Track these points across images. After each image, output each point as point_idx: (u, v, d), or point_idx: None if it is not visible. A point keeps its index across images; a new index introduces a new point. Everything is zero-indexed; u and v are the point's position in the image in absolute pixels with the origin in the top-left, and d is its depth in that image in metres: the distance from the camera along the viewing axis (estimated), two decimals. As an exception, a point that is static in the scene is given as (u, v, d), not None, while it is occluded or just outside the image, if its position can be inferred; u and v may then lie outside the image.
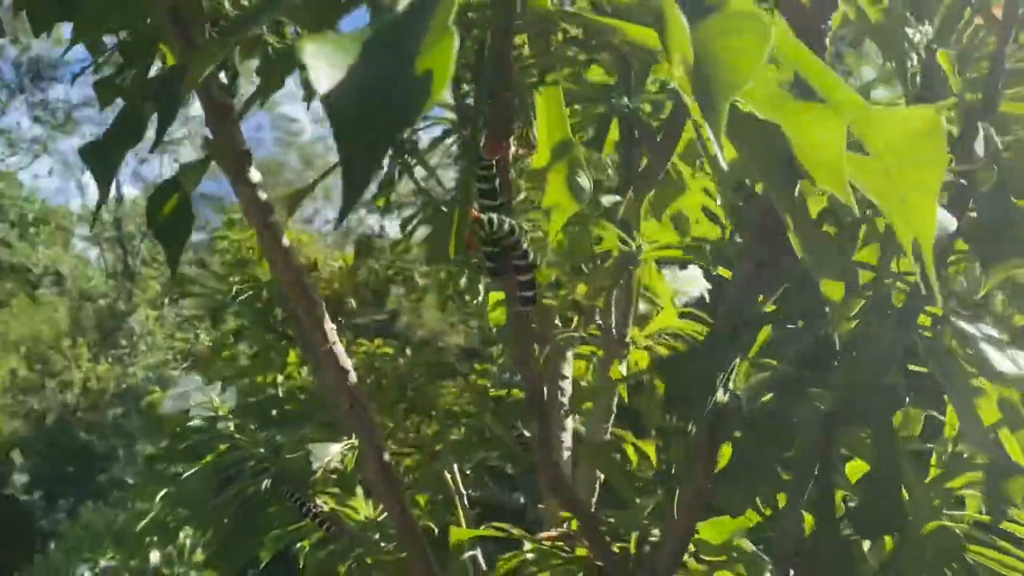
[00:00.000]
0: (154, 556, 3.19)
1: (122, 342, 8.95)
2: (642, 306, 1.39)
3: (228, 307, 1.38)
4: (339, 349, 0.79)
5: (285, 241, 0.76)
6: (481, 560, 1.28)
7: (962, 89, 0.83)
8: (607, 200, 1.05)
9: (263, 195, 0.75)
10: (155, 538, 1.49)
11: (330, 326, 0.79)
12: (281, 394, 1.57)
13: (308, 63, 0.29)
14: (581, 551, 0.92)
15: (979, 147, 0.67)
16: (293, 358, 1.52)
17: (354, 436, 1.30)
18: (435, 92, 0.28)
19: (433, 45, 0.29)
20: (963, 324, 0.67)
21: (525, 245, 0.61)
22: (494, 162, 0.59)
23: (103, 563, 3.63)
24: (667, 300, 1.35)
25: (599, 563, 0.84)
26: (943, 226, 0.59)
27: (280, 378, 1.56)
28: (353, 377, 0.80)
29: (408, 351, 1.99)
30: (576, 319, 1.42)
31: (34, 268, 9.76)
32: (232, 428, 1.52)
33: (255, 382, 1.61)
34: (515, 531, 1.02)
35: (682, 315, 1.38)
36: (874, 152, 0.41)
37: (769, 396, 0.79)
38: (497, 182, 0.60)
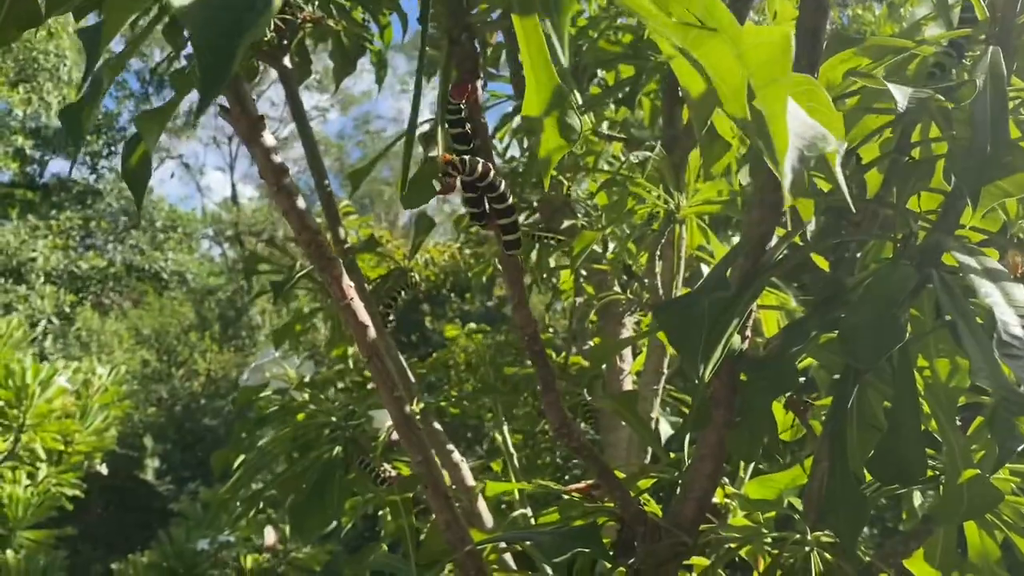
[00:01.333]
0: (268, 533, 3.35)
1: (242, 333, 9.39)
2: (704, 268, 1.38)
3: (294, 282, 1.44)
4: (357, 304, 0.83)
5: (300, 203, 0.80)
6: (531, 517, 1.29)
7: (987, 19, 0.79)
8: (636, 156, 1.04)
9: (277, 158, 0.79)
10: (238, 505, 1.56)
11: (348, 283, 0.83)
12: (352, 365, 1.63)
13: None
14: (610, 502, 0.93)
15: (980, 72, 0.64)
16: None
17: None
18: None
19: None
20: (961, 255, 0.64)
21: (502, 187, 0.62)
22: (461, 104, 0.60)
23: (221, 538, 3.84)
24: (720, 256, 1.34)
25: (620, 513, 0.84)
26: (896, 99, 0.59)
27: (351, 349, 1.62)
28: (372, 332, 0.83)
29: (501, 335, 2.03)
30: (629, 282, 1.42)
31: (164, 272, 10.34)
32: (307, 398, 1.59)
33: (329, 354, 1.68)
34: (552, 485, 1.04)
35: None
36: (747, 71, 0.41)
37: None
38: (467, 125, 0.61)
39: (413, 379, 1.43)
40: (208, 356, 8.69)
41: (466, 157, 0.60)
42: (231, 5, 0.30)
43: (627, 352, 1.51)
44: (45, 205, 10.58)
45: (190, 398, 8.14)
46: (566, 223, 1.43)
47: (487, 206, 0.64)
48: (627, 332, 1.51)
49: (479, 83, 0.61)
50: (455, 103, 0.60)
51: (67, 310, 8.88)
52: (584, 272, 1.54)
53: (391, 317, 1.50)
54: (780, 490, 1.00)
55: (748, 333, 0.85)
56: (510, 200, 0.63)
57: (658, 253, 1.21)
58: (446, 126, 0.61)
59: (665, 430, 1.42)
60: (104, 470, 3.84)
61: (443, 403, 1.57)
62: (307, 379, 1.62)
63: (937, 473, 0.92)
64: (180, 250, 10.87)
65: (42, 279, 8.85)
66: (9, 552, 2.75)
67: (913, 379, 0.76)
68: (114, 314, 9.52)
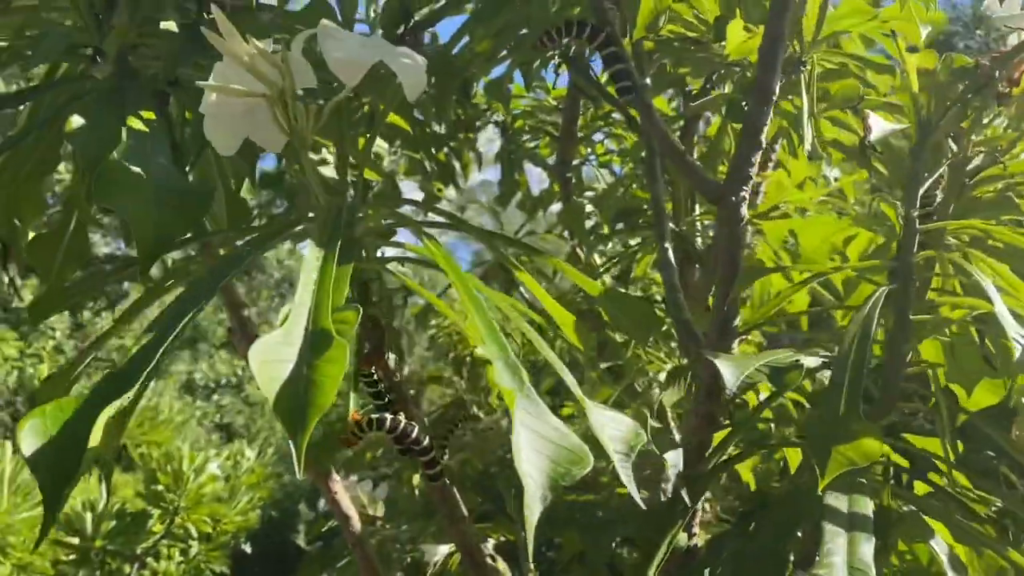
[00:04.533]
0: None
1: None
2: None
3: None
4: (341, 496, 0.94)
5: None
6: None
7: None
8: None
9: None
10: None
11: (335, 479, 0.94)
12: (417, 492, 1.74)
13: (20, 438, 0.43)
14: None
15: (852, 329, 0.68)
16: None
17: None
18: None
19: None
20: (833, 496, 0.67)
21: (415, 433, 0.72)
22: (373, 370, 0.71)
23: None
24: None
25: None
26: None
27: (416, 478, 1.73)
28: (355, 523, 0.94)
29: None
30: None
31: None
32: (381, 524, 1.72)
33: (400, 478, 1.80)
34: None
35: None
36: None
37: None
38: (380, 386, 0.72)
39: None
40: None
41: (373, 416, 0.70)
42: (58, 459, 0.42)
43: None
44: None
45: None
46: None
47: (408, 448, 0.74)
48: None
49: (388, 356, 0.71)
50: (365, 371, 0.71)
51: (240, 373, 9.48)
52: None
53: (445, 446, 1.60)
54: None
55: (695, 530, 0.89)
56: (425, 442, 0.73)
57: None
58: (360, 388, 0.72)
59: None
60: (248, 549, 4.12)
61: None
62: (380, 503, 1.75)
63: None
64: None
65: (217, 345, 9.52)
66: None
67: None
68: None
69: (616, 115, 1.67)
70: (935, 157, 0.78)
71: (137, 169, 0.64)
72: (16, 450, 2.78)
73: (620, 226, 1.62)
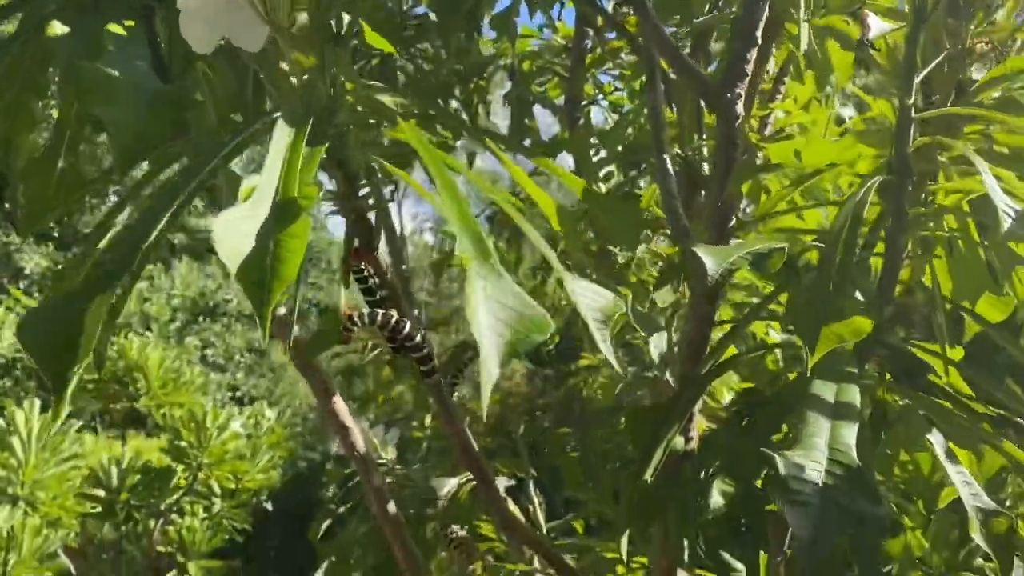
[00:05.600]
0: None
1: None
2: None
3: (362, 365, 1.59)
4: (340, 407, 0.95)
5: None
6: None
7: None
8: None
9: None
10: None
11: (330, 393, 0.95)
12: (430, 432, 1.76)
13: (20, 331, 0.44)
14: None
15: (844, 213, 0.68)
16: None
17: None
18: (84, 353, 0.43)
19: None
20: (821, 385, 0.67)
21: (406, 328, 0.72)
22: (363, 266, 0.71)
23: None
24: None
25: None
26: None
27: (429, 419, 1.75)
28: (356, 435, 0.95)
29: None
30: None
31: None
32: (392, 465, 1.74)
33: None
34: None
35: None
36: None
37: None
38: (371, 281, 0.72)
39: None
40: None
41: (364, 311, 0.70)
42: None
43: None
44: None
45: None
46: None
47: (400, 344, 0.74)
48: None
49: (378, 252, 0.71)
50: (356, 265, 0.71)
51: (257, 346, 9.53)
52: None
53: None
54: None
55: (692, 435, 0.89)
56: (418, 338, 0.73)
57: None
58: (351, 284, 0.72)
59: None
60: (269, 507, 4.17)
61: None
62: (393, 446, 1.76)
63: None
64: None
65: (234, 318, 9.57)
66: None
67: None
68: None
69: (625, 56, 1.65)
70: (933, 48, 0.76)
71: (118, 74, 0.63)
72: (43, 410, 2.82)
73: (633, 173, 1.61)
